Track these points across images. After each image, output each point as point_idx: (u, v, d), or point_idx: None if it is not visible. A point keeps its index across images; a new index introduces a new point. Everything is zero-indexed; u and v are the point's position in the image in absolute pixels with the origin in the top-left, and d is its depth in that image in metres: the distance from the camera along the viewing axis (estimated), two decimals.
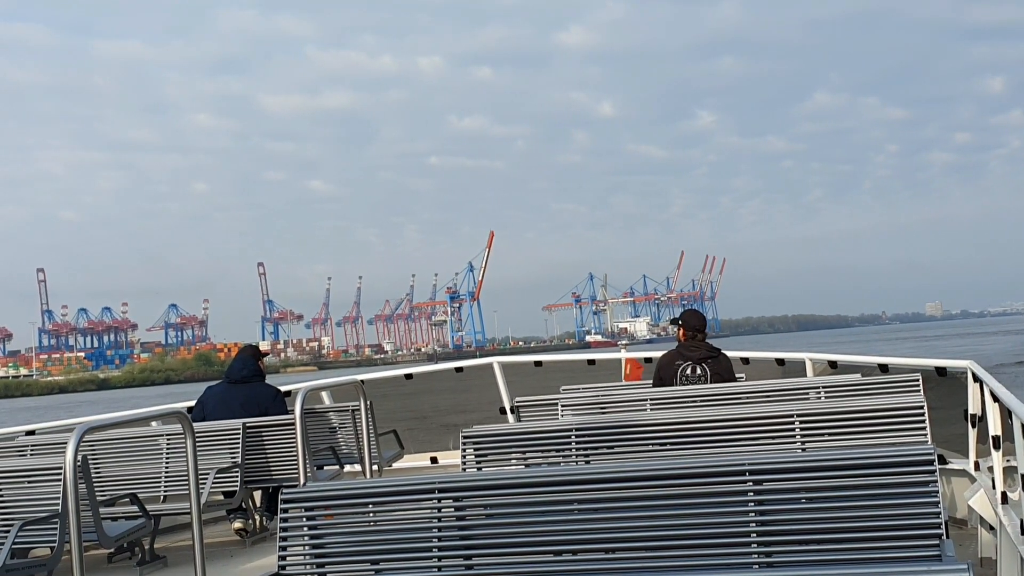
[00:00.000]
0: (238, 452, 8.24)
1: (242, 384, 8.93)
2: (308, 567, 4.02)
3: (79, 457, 4.73)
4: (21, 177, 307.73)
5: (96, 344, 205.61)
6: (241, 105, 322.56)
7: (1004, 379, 7.85)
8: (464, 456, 5.91)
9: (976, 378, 6.83)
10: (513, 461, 5.97)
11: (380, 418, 9.55)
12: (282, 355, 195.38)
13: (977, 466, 6.93)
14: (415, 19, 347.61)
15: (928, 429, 5.38)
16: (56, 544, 6.39)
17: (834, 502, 3.49)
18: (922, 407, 5.45)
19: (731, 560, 3.52)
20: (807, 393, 6.82)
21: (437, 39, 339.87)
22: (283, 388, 9.49)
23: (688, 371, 7.52)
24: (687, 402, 6.92)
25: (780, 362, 9.95)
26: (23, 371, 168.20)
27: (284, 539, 4.07)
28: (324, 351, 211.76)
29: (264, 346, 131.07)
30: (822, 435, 5.59)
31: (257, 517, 8.68)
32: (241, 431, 8.29)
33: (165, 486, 8.33)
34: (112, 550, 7.69)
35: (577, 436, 5.79)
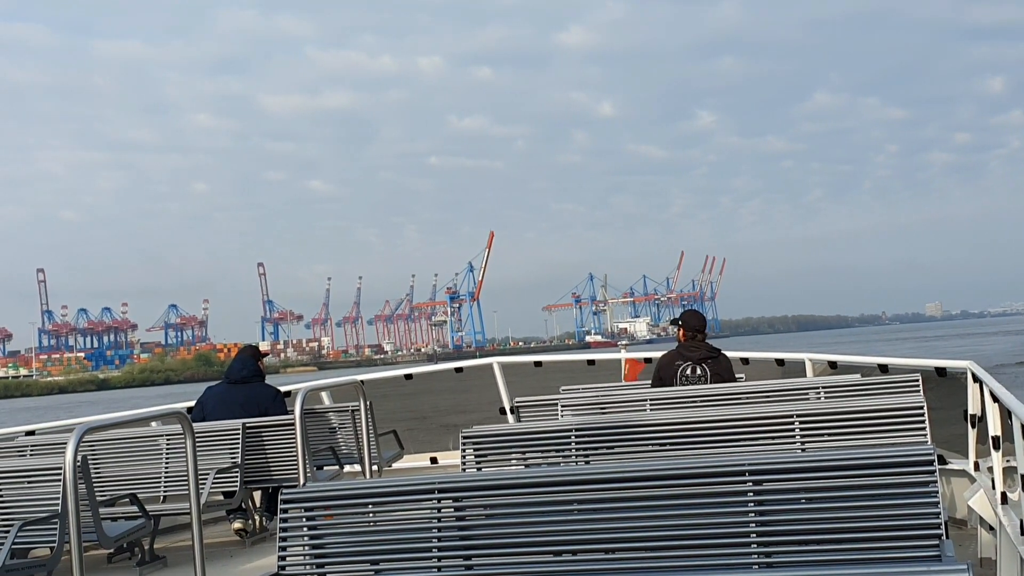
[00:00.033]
0: (238, 452, 8.24)
1: (242, 384, 8.93)
2: (308, 567, 4.02)
3: (79, 457, 4.73)
4: (21, 177, 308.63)
5: (96, 344, 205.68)
6: (241, 105, 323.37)
7: (1004, 379, 7.85)
8: (464, 456, 5.90)
9: (976, 378, 6.83)
10: (513, 461, 5.96)
11: (380, 418, 9.55)
12: (282, 355, 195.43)
13: (977, 466, 6.92)
14: (415, 19, 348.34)
15: (928, 429, 5.38)
16: (56, 544, 6.39)
17: (834, 502, 3.49)
18: (922, 407, 5.45)
19: (731, 560, 3.52)
20: (807, 393, 6.82)
21: (437, 39, 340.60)
22: (283, 388, 9.49)
23: (688, 371, 7.51)
24: (687, 402, 6.91)
25: (780, 362, 9.95)
26: (23, 371, 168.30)
27: (284, 539, 4.07)
28: (324, 351, 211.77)
29: (264, 346, 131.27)
30: (822, 435, 5.58)
31: (257, 517, 8.68)
32: (241, 431, 8.29)
33: (165, 486, 8.33)
34: (112, 550, 7.69)
35: (577, 436, 5.78)
